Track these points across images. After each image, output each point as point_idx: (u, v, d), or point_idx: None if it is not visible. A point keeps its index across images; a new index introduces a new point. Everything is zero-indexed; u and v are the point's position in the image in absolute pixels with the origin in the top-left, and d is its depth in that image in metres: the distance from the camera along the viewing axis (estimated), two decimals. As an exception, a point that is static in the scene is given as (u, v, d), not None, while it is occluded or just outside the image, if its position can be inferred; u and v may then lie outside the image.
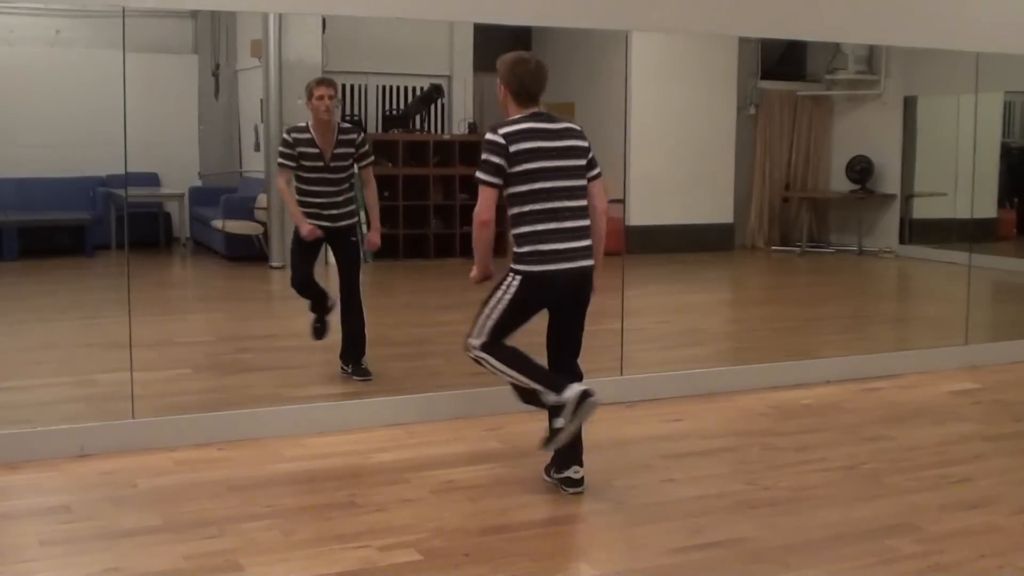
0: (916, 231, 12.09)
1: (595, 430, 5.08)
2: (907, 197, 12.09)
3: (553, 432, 4.04)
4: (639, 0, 5.72)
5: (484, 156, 4.01)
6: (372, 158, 5.92)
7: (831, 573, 3.52)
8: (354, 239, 5.92)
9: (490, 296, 4.08)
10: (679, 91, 11.90)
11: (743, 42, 12.04)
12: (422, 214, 11.06)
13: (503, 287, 4.05)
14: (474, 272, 4.19)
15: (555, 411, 4.02)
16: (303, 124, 5.73)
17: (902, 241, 12.01)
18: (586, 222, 4.12)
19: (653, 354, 6.83)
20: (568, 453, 4.16)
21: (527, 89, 4.10)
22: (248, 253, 10.08)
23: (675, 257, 11.16)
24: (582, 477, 4.17)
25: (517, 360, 4.06)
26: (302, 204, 5.75)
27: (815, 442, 5.01)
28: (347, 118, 11.32)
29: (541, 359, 4.14)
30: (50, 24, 11.36)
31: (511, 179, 4.01)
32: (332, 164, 5.71)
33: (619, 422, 5.30)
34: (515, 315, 4.07)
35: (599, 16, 5.67)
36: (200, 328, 7.77)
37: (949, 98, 10.87)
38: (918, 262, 11.69)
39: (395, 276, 10.42)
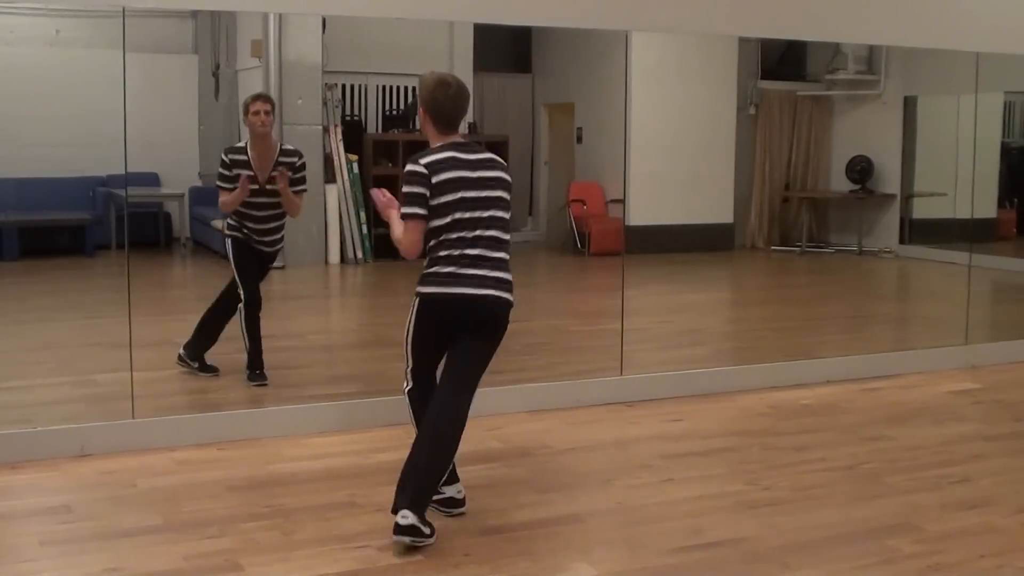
0: (916, 231, 12.10)
1: (595, 430, 5.09)
2: (907, 197, 12.10)
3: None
4: (639, 0, 5.72)
5: (407, 188, 3.79)
6: (305, 186, 5.73)
7: (831, 573, 3.52)
8: (271, 264, 5.92)
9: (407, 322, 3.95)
10: (679, 91, 11.90)
11: (743, 42, 12.04)
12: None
13: (411, 310, 3.91)
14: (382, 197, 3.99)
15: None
16: (241, 144, 5.62)
17: (902, 241, 12.01)
18: (502, 254, 3.90)
19: (653, 354, 6.82)
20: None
21: (446, 114, 3.89)
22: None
23: (675, 257, 11.16)
24: (411, 524, 3.64)
25: (421, 430, 3.85)
26: (237, 222, 5.67)
27: (815, 442, 5.01)
28: (347, 118, 11.34)
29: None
30: (50, 24, 11.36)
31: (433, 211, 3.80)
32: (268, 187, 5.58)
33: (619, 422, 5.30)
34: (420, 338, 3.91)
35: (599, 16, 5.67)
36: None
37: (949, 98, 10.88)
38: (918, 262, 11.70)
39: (395, 276, 10.42)
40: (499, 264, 3.87)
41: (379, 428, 5.07)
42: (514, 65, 13.19)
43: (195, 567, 3.46)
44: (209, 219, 10.63)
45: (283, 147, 5.66)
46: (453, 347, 3.89)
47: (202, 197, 11.15)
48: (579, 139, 12.24)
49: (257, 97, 5.62)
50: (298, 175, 5.65)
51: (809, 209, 12.58)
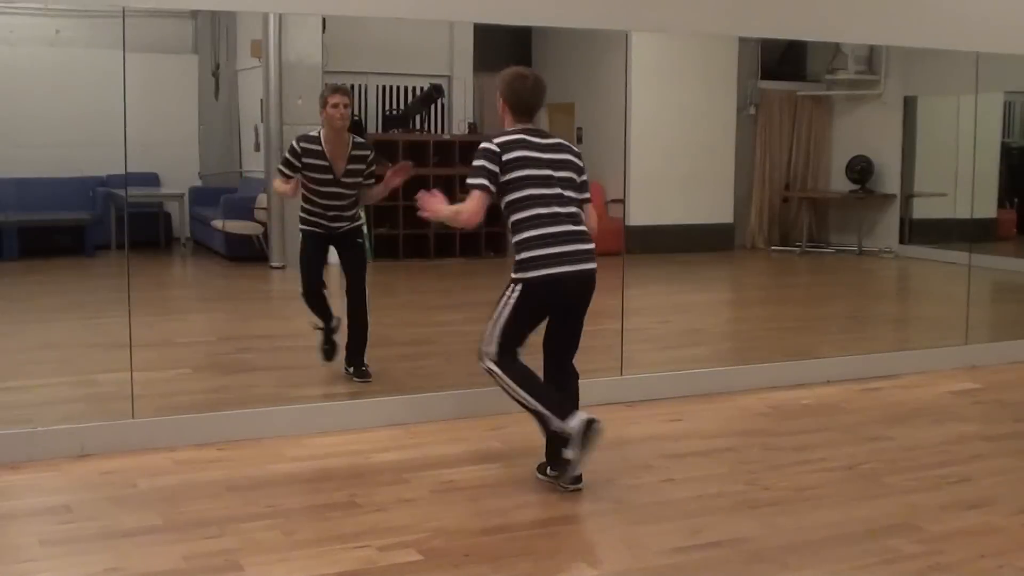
0: (916, 231, 12.10)
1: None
2: (907, 197, 12.09)
3: (563, 463, 4.07)
4: (639, 0, 5.72)
5: (477, 162, 4.10)
6: (376, 176, 5.84)
7: (831, 573, 3.52)
8: (360, 240, 5.85)
9: (497, 302, 4.14)
10: (679, 91, 11.90)
11: (743, 42, 12.04)
12: (422, 214, 11.05)
13: (507, 295, 4.12)
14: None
15: (556, 438, 4.05)
16: (314, 134, 5.60)
17: (902, 241, 12.01)
18: (583, 227, 4.17)
19: (653, 354, 6.83)
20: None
21: (525, 103, 4.23)
22: (248, 253, 10.08)
23: (675, 257, 11.16)
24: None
25: (527, 381, 4.12)
26: (307, 212, 5.68)
27: (815, 442, 5.01)
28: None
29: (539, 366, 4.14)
30: (50, 24, 11.36)
31: (504, 187, 4.09)
32: (344, 180, 5.62)
33: (619, 422, 5.30)
34: (520, 321, 4.12)
35: (599, 16, 5.67)
36: (200, 328, 7.77)
37: (949, 98, 10.87)
38: (918, 262, 11.69)
39: (395, 276, 10.42)
40: (586, 236, 4.16)
41: (379, 428, 5.07)
42: (514, 65, 13.17)
43: (195, 567, 3.46)
44: (209, 219, 10.65)
45: (355, 140, 5.68)
46: (558, 321, 4.20)
47: (202, 197, 11.16)
48: (579, 139, 12.23)
49: (336, 90, 5.60)
50: (371, 168, 5.71)
51: (809, 209, 12.58)
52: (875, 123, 12.46)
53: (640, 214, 10.74)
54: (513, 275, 4.12)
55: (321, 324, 5.85)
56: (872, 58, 12.46)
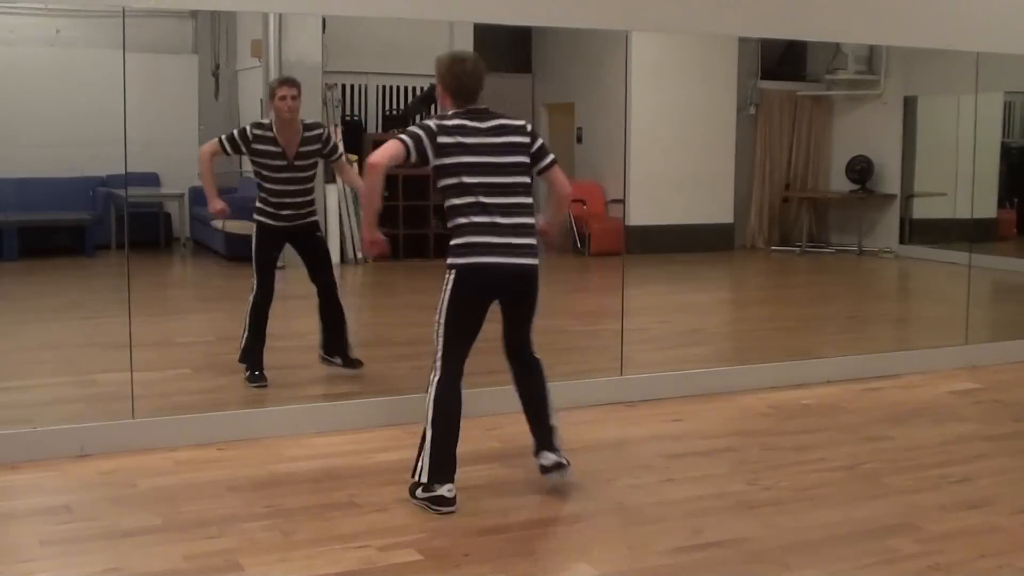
0: (916, 231, 12.10)
1: (595, 430, 5.09)
2: (907, 197, 12.09)
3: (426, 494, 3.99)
4: (639, 0, 5.72)
5: (413, 128, 4.03)
6: (341, 150, 5.84)
7: (831, 573, 3.52)
8: (319, 234, 5.86)
9: (439, 300, 4.08)
10: (679, 91, 11.90)
11: (743, 42, 12.04)
12: (422, 214, 11.05)
13: (445, 285, 4.06)
14: (364, 235, 4.23)
15: (419, 484, 4.00)
16: (266, 122, 5.62)
17: (902, 241, 12.01)
18: (526, 219, 4.08)
19: (653, 354, 6.82)
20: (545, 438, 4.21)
21: (465, 88, 4.11)
22: (248, 253, 10.05)
23: (675, 257, 11.15)
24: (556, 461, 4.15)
25: (444, 424, 3.99)
26: (263, 202, 5.67)
27: (815, 442, 5.01)
28: (347, 118, 11.34)
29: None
30: (50, 24, 11.36)
31: (439, 171, 4.04)
32: (296, 163, 5.62)
33: (619, 422, 5.30)
34: (460, 313, 4.04)
35: (599, 16, 5.67)
36: (200, 328, 7.77)
37: (949, 98, 10.87)
38: (918, 262, 11.69)
39: (395, 276, 10.42)
40: (525, 230, 4.06)
41: (379, 428, 5.07)
42: (514, 65, 13.18)
43: (195, 567, 3.46)
44: (209, 219, 10.64)
45: (305, 123, 5.66)
46: (503, 310, 4.14)
47: (202, 197, 11.12)
48: (579, 139, 12.23)
49: (284, 81, 5.58)
50: (328, 147, 5.70)
51: (809, 209, 12.58)
52: (875, 123, 12.46)
53: (640, 214, 10.75)
54: (448, 260, 4.07)
55: (256, 371, 5.72)
56: (872, 58, 12.46)
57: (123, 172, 5.68)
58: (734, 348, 7.60)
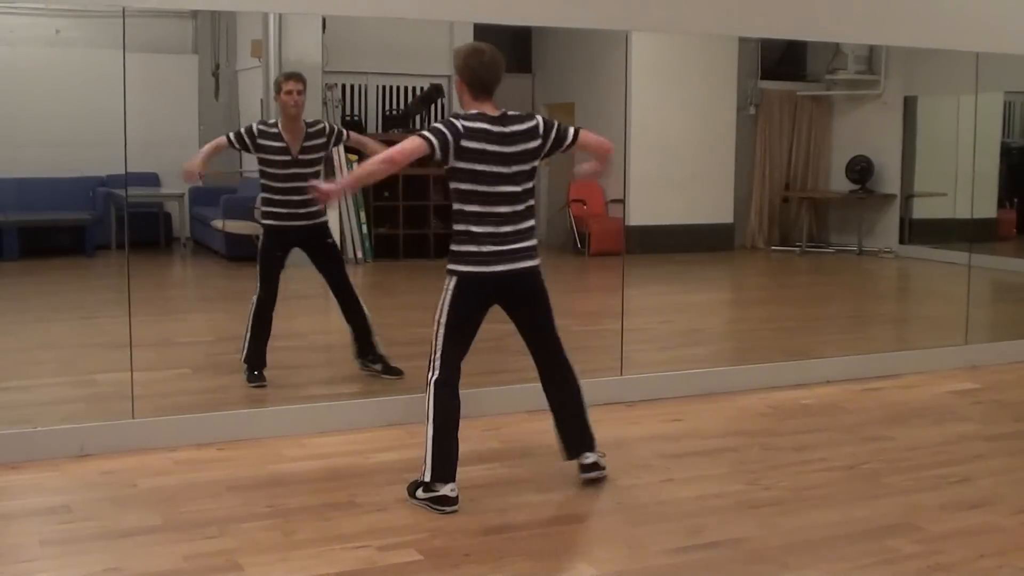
0: (916, 231, 12.09)
1: (596, 430, 5.08)
2: (907, 197, 12.09)
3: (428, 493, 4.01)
4: (639, 0, 5.72)
5: (438, 126, 3.99)
6: (346, 132, 5.82)
7: (831, 573, 3.52)
8: (330, 240, 5.86)
9: (439, 302, 4.11)
10: (679, 91, 11.90)
11: (743, 42, 12.04)
12: (422, 214, 11.06)
13: (444, 289, 4.09)
14: (331, 185, 4.18)
15: (422, 484, 4.01)
16: (272, 121, 5.65)
17: (902, 241, 12.00)
18: (527, 223, 4.12)
19: (653, 354, 6.82)
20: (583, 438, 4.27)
21: (481, 80, 4.05)
22: (248, 253, 9.98)
23: (675, 257, 11.15)
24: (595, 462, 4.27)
25: (443, 423, 4.02)
26: (268, 202, 5.67)
27: (815, 442, 5.01)
28: (347, 118, 11.34)
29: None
30: (50, 24, 11.36)
31: (454, 174, 4.03)
32: (301, 157, 5.63)
33: (619, 422, 5.30)
34: (458, 317, 4.07)
35: (599, 16, 5.67)
36: (200, 328, 7.77)
37: (949, 98, 10.87)
38: (918, 262, 11.69)
39: (395, 276, 10.42)
40: (527, 234, 4.11)
41: (379, 428, 5.07)
42: (514, 65, 13.17)
43: (195, 567, 3.46)
44: (209, 219, 10.64)
45: (307, 121, 5.68)
46: (515, 320, 4.18)
47: (202, 197, 11.15)
48: (579, 139, 12.23)
49: (290, 76, 5.61)
50: (333, 135, 5.72)
51: (809, 209, 12.58)
52: (875, 123, 12.46)
53: (640, 214, 10.74)
54: (448, 266, 4.09)
55: (256, 371, 5.73)
56: (872, 58, 12.46)
57: (123, 172, 5.68)
58: (734, 348, 7.60)
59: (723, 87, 12.28)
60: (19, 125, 10.72)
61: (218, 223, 10.35)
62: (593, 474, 4.26)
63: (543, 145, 4.14)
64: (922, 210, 12.11)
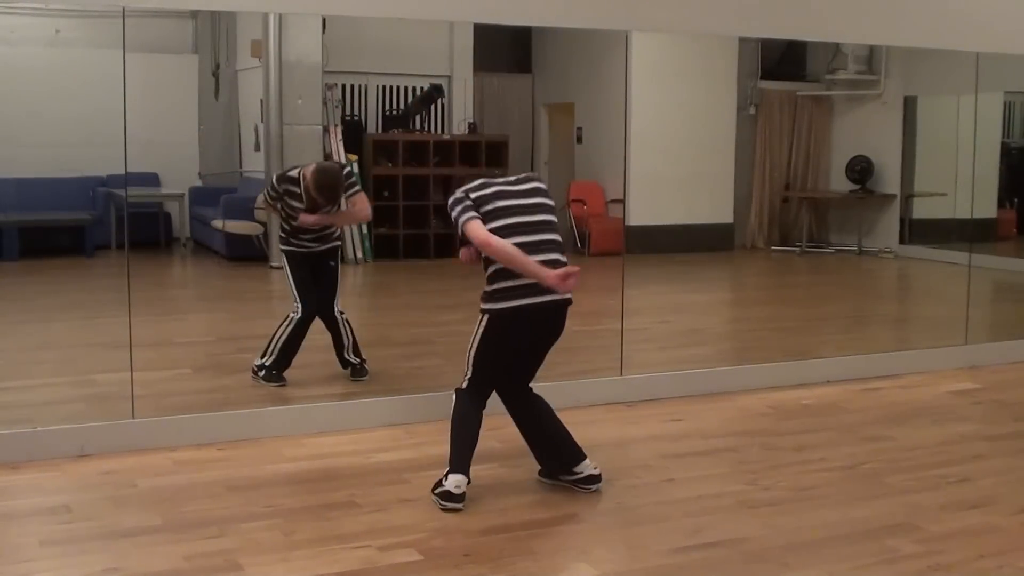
0: (916, 231, 12.09)
1: (596, 430, 5.09)
2: (907, 197, 12.09)
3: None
4: (639, 0, 5.72)
5: (456, 199, 4.09)
6: (358, 186, 5.80)
7: (831, 573, 3.52)
8: (333, 263, 5.90)
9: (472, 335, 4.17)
10: (679, 91, 11.89)
11: (743, 42, 12.03)
12: (422, 214, 11.06)
13: (477, 326, 4.13)
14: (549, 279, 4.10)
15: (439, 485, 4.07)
16: (294, 175, 5.64)
17: (902, 241, 12.00)
18: (557, 254, 4.11)
19: (653, 354, 6.83)
20: (573, 451, 4.24)
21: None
22: (248, 253, 10.08)
23: (675, 257, 11.15)
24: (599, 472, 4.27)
25: (464, 428, 4.14)
26: (287, 232, 5.76)
27: (815, 442, 5.01)
28: (347, 118, 11.34)
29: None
30: (50, 24, 11.35)
31: (483, 218, 4.07)
32: (321, 208, 5.68)
33: (619, 422, 5.30)
34: (489, 350, 4.14)
35: (599, 16, 5.67)
36: (200, 328, 7.77)
37: (949, 98, 10.87)
38: (918, 262, 11.69)
39: (395, 276, 10.43)
40: (557, 264, 4.07)
41: (379, 428, 5.08)
42: (514, 65, 13.19)
43: (195, 567, 3.46)
44: (209, 219, 10.64)
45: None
46: (524, 350, 4.19)
47: (202, 197, 11.15)
48: (579, 139, 12.23)
49: (321, 189, 5.51)
50: (348, 181, 5.69)
51: (809, 209, 12.58)
52: (875, 123, 12.45)
53: (640, 214, 10.73)
54: (482, 305, 4.12)
55: (282, 375, 5.77)
56: (872, 58, 12.46)
57: (123, 172, 5.67)
58: (734, 348, 7.60)
59: (723, 87, 12.28)
60: (19, 125, 10.70)
61: (218, 223, 10.35)
62: (596, 485, 4.25)
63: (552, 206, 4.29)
64: (922, 210, 12.11)
